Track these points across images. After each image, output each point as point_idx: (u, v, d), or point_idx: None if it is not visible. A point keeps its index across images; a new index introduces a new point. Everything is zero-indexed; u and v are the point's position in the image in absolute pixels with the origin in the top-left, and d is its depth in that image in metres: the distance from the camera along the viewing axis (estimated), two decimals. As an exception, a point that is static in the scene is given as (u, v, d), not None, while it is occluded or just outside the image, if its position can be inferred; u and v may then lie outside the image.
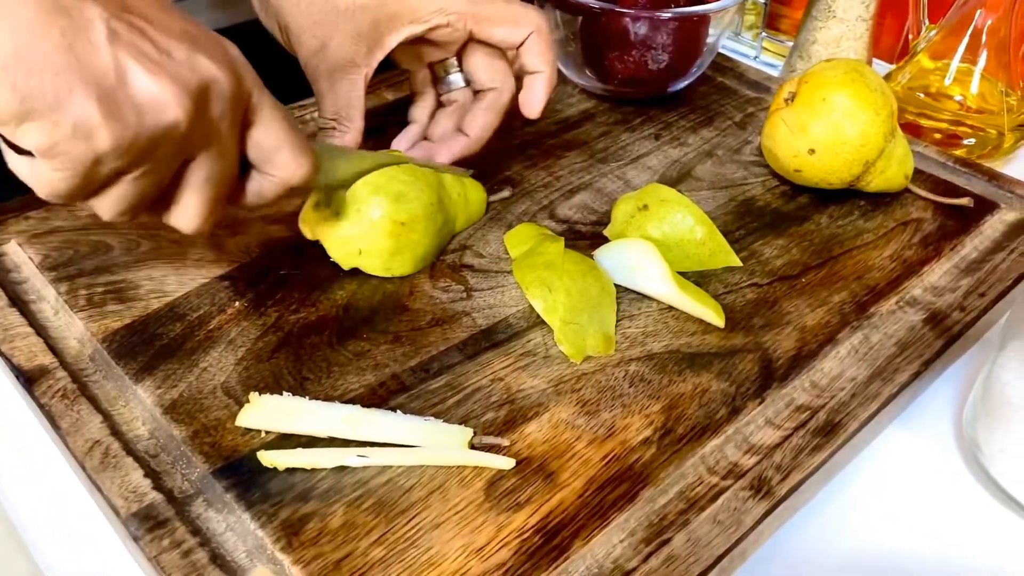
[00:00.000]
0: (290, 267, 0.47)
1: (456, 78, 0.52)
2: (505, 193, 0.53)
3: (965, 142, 0.64)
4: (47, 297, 0.45)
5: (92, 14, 0.30)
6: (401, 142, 0.53)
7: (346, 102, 0.48)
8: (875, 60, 0.74)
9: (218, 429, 0.38)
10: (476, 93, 0.52)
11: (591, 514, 0.36)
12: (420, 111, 0.53)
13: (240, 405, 0.39)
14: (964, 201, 0.54)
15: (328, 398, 0.40)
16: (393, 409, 0.39)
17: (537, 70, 0.50)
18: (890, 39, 0.78)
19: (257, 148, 0.37)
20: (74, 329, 0.43)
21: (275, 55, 0.49)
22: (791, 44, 0.70)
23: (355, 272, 0.47)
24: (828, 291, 0.48)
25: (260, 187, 0.39)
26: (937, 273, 0.50)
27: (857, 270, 0.50)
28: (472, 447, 0.38)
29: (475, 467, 0.37)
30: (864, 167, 0.52)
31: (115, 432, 0.38)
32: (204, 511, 0.36)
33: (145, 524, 0.35)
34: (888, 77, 0.67)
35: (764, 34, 0.77)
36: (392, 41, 0.47)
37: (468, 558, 0.34)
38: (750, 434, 0.40)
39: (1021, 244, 0.52)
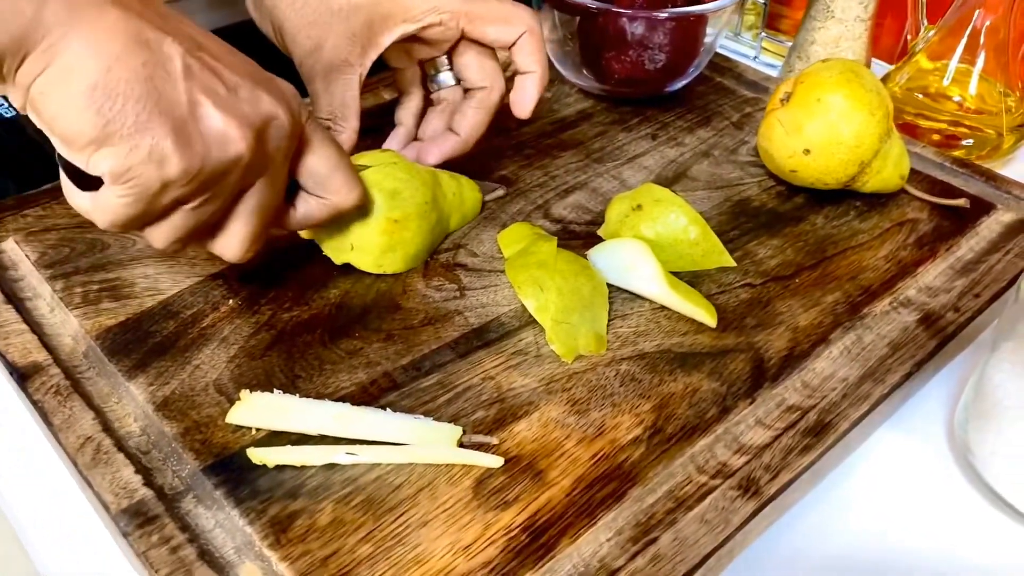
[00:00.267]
0: (284, 265, 0.47)
1: (446, 77, 0.52)
2: (500, 192, 0.54)
3: (963, 143, 0.64)
4: (43, 294, 0.45)
5: (172, 50, 0.33)
6: (391, 144, 0.53)
7: (341, 102, 0.48)
8: (875, 61, 0.74)
9: (209, 426, 0.39)
10: (466, 92, 0.52)
11: (578, 513, 0.36)
12: (407, 113, 0.54)
13: (232, 402, 0.39)
14: (960, 202, 0.54)
15: (319, 396, 0.40)
16: (384, 407, 0.40)
17: (529, 70, 0.50)
18: (890, 40, 0.77)
19: (310, 174, 0.40)
20: (69, 326, 0.44)
21: (270, 56, 0.49)
22: (791, 44, 0.70)
23: (349, 270, 0.47)
24: (822, 291, 0.48)
25: (310, 210, 0.41)
26: (932, 274, 0.50)
27: (851, 270, 0.50)
28: (461, 445, 0.38)
29: (464, 465, 0.38)
30: (859, 167, 0.52)
31: (107, 429, 0.39)
32: (194, 508, 0.36)
33: (135, 520, 0.35)
34: (887, 78, 0.67)
35: (764, 34, 0.77)
36: (386, 40, 0.47)
37: (455, 556, 0.34)
38: (740, 434, 0.40)
39: (1017, 245, 0.52)
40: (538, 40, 0.50)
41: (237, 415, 0.38)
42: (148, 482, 0.36)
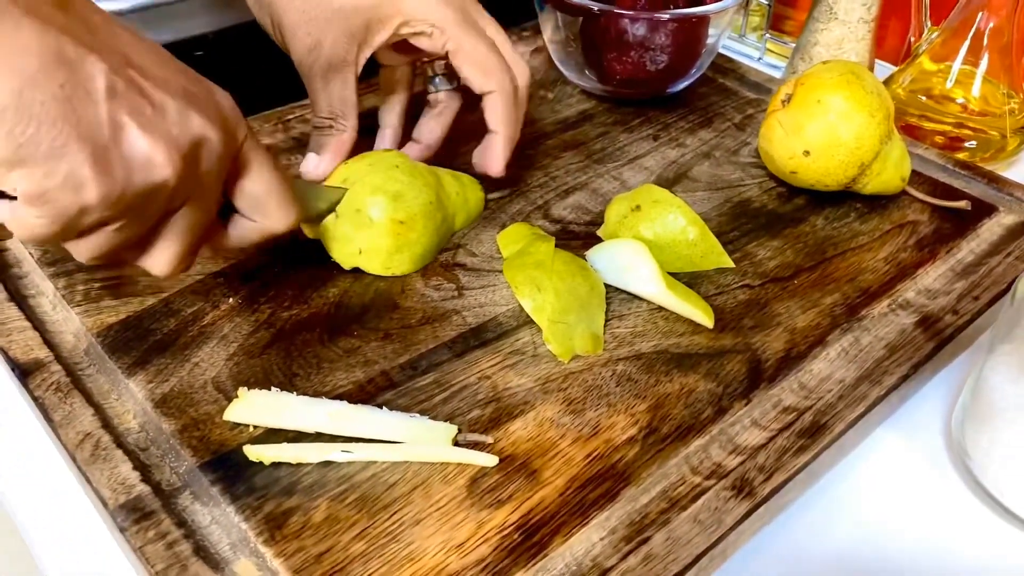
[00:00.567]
0: (285, 264, 0.48)
1: (442, 80, 0.52)
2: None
3: (967, 145, 0.64)
4: (46, 292, 0.46)
5: (94, 68, 0.31)
6: (382, 146, 0.53)
7: (341, 100, 0.48)
8: (879, 62, 0.74)
9: (207, 423, 0.39)
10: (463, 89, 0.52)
11: (571, 512, 0.36)
12: (392, 114, 0.54)
13: (230, 400, 0.40)
14: (962, 204, 0.54)
15: (317, 394, 0.40)
16: (380, 406, 0.40)
17: (494, 129, 0.50)
18: (895, 41, 0.77)
19: (245, 197, 0.38)
20: (71, 324, 0.44)
21: (269, 57, 0.49)
22: (794, 46, 0.70)
23: (349, 270, 0.47)
24: (820, 293, 0.48)
25: (243, 232, 0.39)
26: (931, 276, 0.50)
27: (850, 272, 0.50)
28: (456, 444, 0.38)
29: (458, 464, 0.38)
30: (859, 169, 0.52)
31: (106, 425, 0.39)
32: (190, 504, 0.36)
33: (132, 515, 0.35)
34: (890, 79, 0.67)
35: (768, 35, 0.77)
36: (379, 40, 0.47)
37: (448, 554, 0.34)
38: (735, 434, 0.40)
39: (1018, 247, 0.52)
40: (508, 101, 0.49)
41: (234, 413, 0.39)
42: (146, 478, 0.37)
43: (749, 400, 0.42)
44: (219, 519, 0.36)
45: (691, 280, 0.49)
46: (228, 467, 0.37)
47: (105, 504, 0.36)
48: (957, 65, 0.63)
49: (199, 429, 0.39)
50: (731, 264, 0.49)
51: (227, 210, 0.39)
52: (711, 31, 0.62)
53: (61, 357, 0.42)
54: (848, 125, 0.51)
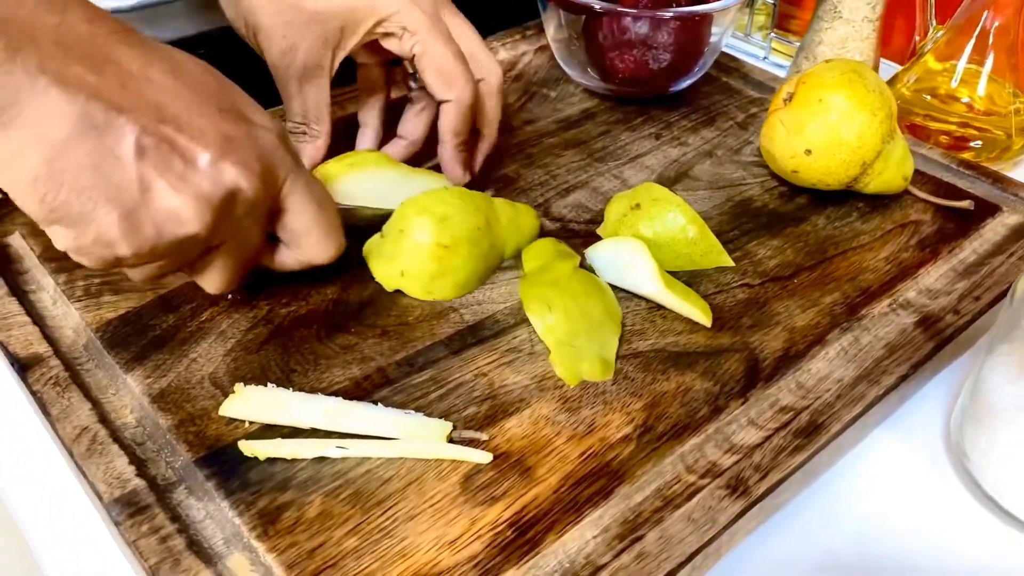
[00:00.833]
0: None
1: (421, 77, 0.52)
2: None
3: (972, 144, 0.63)
4: (46, 287, 0.46)
5: (123, 131, 0.32)
6: (362, 146, 0.54)
7: (315, 105, 0.48)
8: (885, 61, 0.73)
9: (203, 419, 0.39)
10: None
11: (565, 509, 0.36)
12: (371, 113, 0.54)
13: (226, 396, 0.40)
14: (965, 204, 0.54)
15: (313, 390, 0.41)
16: (376, 402, 0.40)
17: (442, 139, 0.50)
18: (901, 40, 0.77)
19: (286, 231, 0.40)
20: (70, 319, 0.44)
21: (248, 62, 0.49)
22: (799, 45, 0.70)
23: (349, 266, 0.48)
24: (820, 292, 0.48)
25: (286, 260, 0.42)
26: (933, 276, 0.50)
27: (851, 272, 0.49)
28: (451, 441, 0.38)
29: (453, 461, 0.38)
30: (861, 168, 0.52)
31: (103, 420, 0.39)
32: (185, 498, 0.36)
33: (126, 510, 0.35)
34: (895, 79, 0.67)
35: (773, 35, 0.77)
36: (351, 43, 0.47)
37: (440, 550, 0.34)
38: (731, 434, 0.40)
39: (1021, 248, 0.52)
40: (460, 114, 0.49)
41: (230, 408, 0.39)
42: (141, 472, 0.37)
43: (746, 399, 0.41)
44: (213, 514, 0.36)
45: (690, 279, 0.48)
46: (223, 462, 0.37)
47: (100, 498, 0.36)
48: (962, 64, 0.63)
49: (195, 424, 0.39)
50: (731, 263, 0.49)
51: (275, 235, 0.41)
52: (714, 29, 0.62)
53: (60, 352, 0.42)
54: (850, 124, 0.50)
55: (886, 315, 0.47)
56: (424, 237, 0.45)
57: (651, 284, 0.45)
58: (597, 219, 0.53)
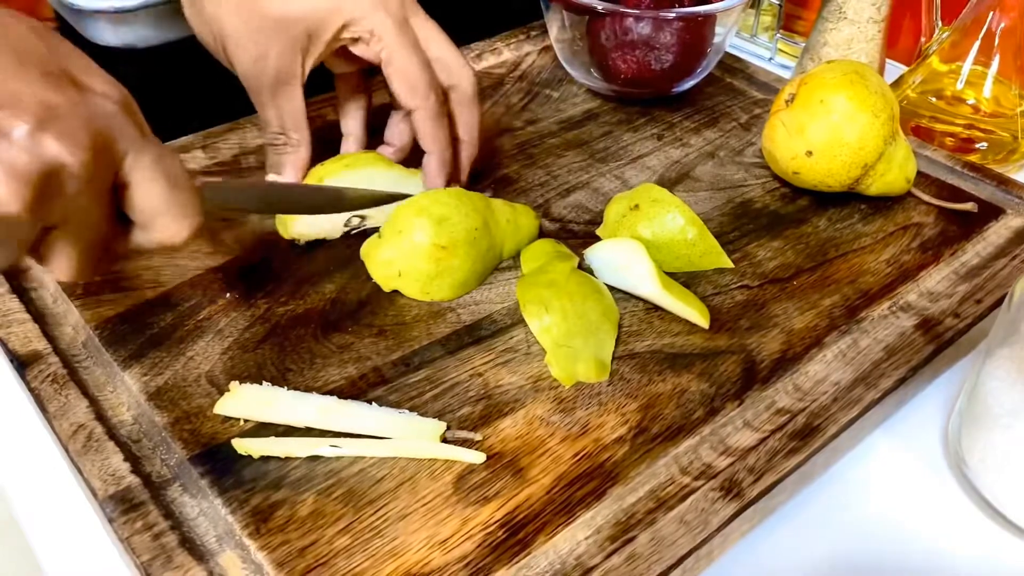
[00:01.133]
0: (284, 260, 0.48)
1: None
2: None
3: (978, 146, 0.63)
4: (47, 285, 0.46)
5: None
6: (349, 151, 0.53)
7: (291, 113, 0.48)
8: (891, 62, 0.73)
9: (199, 416, 0.39)
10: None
11: (557, 510, 0.36)
12: (353, 121, 0.54)
13: (222, 394, 0.40)
14: (968, 206, 0.53)
15: (308, 389, 0.41)
16: (371, 401, 0.40)
17: (426, 149, 0.49)
18: (909, 41, 0.76)
19: (133, 210, 0.35)
20: (70, 316, 0.45)
21: (215, 73, 0.49)
22: (804, 46, 0.70)
23: (347, 265, 0.48)
24: (819, 294, 0.48)
25: (140, 241, 0.37)
26: (935, 278, 0.49)
27: (851, 274, 0.49)
28: (445, 441, 0.38)
29: (446, 460, 0.38)
30: (863, 170, 0.51)
31: (100, 417, 0.39)
32: (179, 496, 0.36)
33: (120, 507, 0.36)
34: (900, 80, 0.66)
35: (779, 35, 0.77)
36: (320, 47, 0.47)
37: (431, 550, 0.34)
38: (726, 436, 0.40)
39: (1024, 251, 0.51)
40: (432, 120, 0.48)
41: (225, 406, 0.39)
42: (136, 470, 0.37)
43: (742, 401, 0.41)
44: (207, 511, 0.36)
45: (689, 280, 0.48)
46: (217, 460, 0.37)
47: (95, 495, 0.36)
48: (968, 66, 0.62)
49: (191, 422, 0.39)
50: (730, 264, 0.49)
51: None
52: (718, 30, 0.62)
53: (59, 349, 0.43)
54: (851, 125, 0.50)
55: (886, 318, 0.47)
56: (422, 238, 0.45)
57: (649, 285, 0.45)
58: (597, 220, 0.52)
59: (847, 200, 0.55)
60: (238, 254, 0.48)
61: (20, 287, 0.46)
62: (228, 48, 0.47)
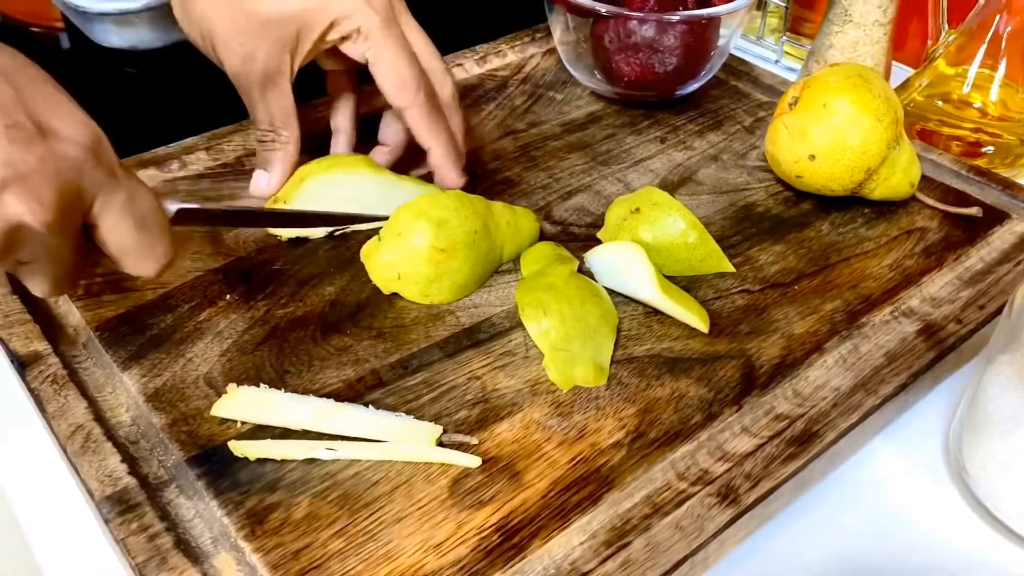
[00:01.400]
0: (285, 261, 0.48)
1: None
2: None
3: (984, 150, 0.62)
4: (49, 286, 0.47)
5: None
6: (338, 150, 0.54)
7: (280, 111, 0.48)
8: (899, 65, 0.73)
9: (196, 418, 0.39)
10: None
11: (552, 515, 0.36)
12: (343, 118, 0.54)
13: (220, 396, 0.40)
14: (973, 211, 0.53)
15: (306, 391, 0.41)
16: (368, 404, 0.40)
17: (426, 146, 0.49)
18: (915, 44, 0.76)
19: (104, 246, 0.36)
20: (72, 317, 0.45)
21: (209, 75, 0.49)
22: (809, 49, 0.69)
23: (347, 269, 0.48)
24: (821, 299, 0.47)
25: (113, 266, 0.37)
26: (938, 284, 0.49)
27: (853, 279, 0.49)
28: (441, 444, 0.38)
29: (442, 464, 0.38)
30: (866, 174, 0.51)
31: (99, 418, 0.39)
32: (175, 497, 0.37)
33: (116, 507, 0.36)
34: (906, 84, 0.66)
35: (785, 38, 0.76)
36: (308, 46, 0.47)
37: (425, 553, 0.34)
38: (724, 441, 0.40)
39: (1029, 256, 0.51)
40: (425, 115, 0.48)
41: (222, 408, 0.39)
42: (133, 471, 0.37)
43: (740, 406, 0.41)
44: (202, 513, 0.36)
45: (690, 284, 0.48)
46: (214, 462, 0.38)
47: (91, 496, 0.36)
48: (974, 69, 0.62)
49: (188, 424, 0.39)
50: (731, 268, 0.49)
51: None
52: (722, 32, 0.61)
53: (60, 350, 0.43)
54: (854, 129, 0.50)
55: (887, 323, 0.46)
56: (421, 241, 0.45)
57: (648, 289, 0.45)
58: (598, 223, 0.52)
59: (850, 204, 0.54)
60: (239, 255, 0.48)
61: (22, 288, 0.46)
62: (217, 48, 0.47)
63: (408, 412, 0.40)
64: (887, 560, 0.39)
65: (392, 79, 0.48)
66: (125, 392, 0.41)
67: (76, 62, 0.65)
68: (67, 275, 0.35)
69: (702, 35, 0.60)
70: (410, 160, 0.54)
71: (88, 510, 0.39)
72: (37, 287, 0.35)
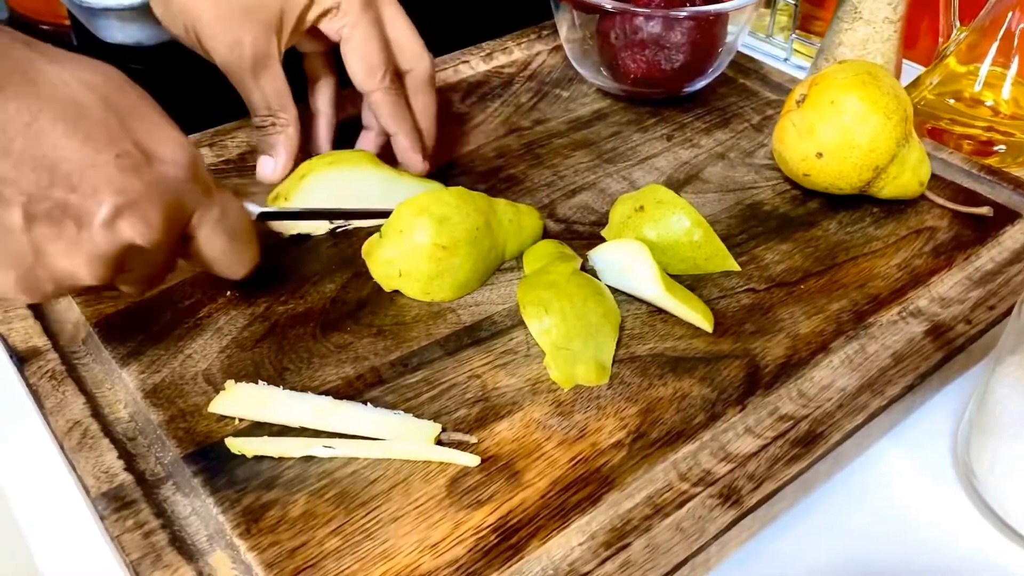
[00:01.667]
0: (286, 258, 0.48)
1: None
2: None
3: (996, 149, 0.61)
4: (50, 281, 0.46)
5: (11, 201, 0.31)
6: (320, 136, 0.54)
7: (275, 94, 0.48)
8: (910, 63, 0.72)
9: (194, 415, 0.39)
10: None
11: (551, 515, 0.35)
12: (323, 100, 0.54)
13: (219, 392, 0.40)
14: (983, 210, 0.52)
15: (304, 389, 0.40)
16: (367, 402, 0.40)
17: (392, 131, 0.50)
18: (927, 42, 0.75)
19: (196, 255, 0.39)
20: (72, 313, 0.45)
21: (201, 71, 0.49)
22: (819, 46, 0.68)
23: (348, 266, 0.47)
24: (827, 299, 0.47)
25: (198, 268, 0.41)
26: (947, 284, 0.48)
27: (860, 278, 0.48)
28: (440, 443, 0.38)
29: (440, 463, 0.37)
30: (874, 172, 0.50)
31: (96, 414, 0.39)
32: (172, 494, 0.36)
33: (112, 504, 0.35)
34: (917, 81, 0.65)
35: (795, 36, 0.76)
36: (292, 25, 0.47)
37: (422, 553, 0.34)
38: (727, 442, 0.39)
39: (1040, 256, 0.50)
40: (391, 101, 0.49)
41: (220, 405, 0.39)
42: (130, 467, 0.37)
43: (744, 407, 0.41)
44: (198, 510, 0.36)
45: (694, 283, 0.48)
46: (211, 459, 0.37)
47: (88, 492, 0.36)
48: (986, 67, 0.61)
49: (186, 420, 0.39)
50: (736, 267, 0.48)
51: None
52: (730, 29, 0.61)
53: (59, 346, 0.43)
54: (862, 127, 0.49)
55: (895, 323, 0.46)
56: (423, 238, 0.44)
57: (651, 287, 0.45)
58: (602, 221, 0.52)
59: (859, 203, 0.54)
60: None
61: (23, 283, 0.46)
62: (203, 39, 0.47)
63: (407, 410, 0.40)
64: (893, 563, 0.38)
65: (360, 62, 0.48)
66: (123, 388, 0.41)
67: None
68: (158, 279, 0.39)
69: (709, 32, 0.60)
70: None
71: (83, 507, 0.39)
72: (127, 290, 0.38)
